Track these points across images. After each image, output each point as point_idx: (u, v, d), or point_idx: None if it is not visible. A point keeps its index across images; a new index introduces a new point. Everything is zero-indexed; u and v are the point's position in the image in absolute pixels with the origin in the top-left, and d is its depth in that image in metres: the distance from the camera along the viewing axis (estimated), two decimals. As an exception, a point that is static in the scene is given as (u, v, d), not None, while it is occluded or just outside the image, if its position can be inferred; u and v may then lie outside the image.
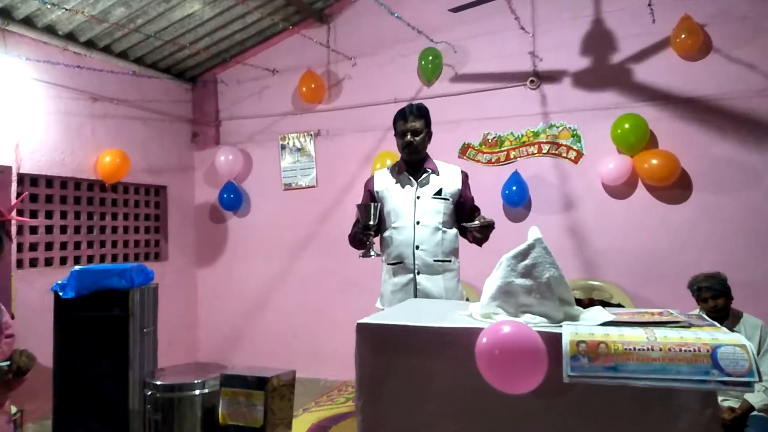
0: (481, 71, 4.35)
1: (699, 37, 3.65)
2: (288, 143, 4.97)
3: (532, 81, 4.16)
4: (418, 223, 2.48)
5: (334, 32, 4.83)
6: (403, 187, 2.56)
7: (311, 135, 4.89)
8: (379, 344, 1.58)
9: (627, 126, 3.74)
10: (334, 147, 4.82)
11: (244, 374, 2.48)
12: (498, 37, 4.25)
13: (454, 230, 2.56)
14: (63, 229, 4.19)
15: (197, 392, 2.54)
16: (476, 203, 2.64)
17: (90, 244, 4.36)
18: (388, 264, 2.56)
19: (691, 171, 3.72)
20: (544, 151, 4.11)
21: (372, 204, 2.38)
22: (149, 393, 2.57)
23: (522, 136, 4.19)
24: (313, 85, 4.76)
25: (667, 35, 3.76)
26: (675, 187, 3.73)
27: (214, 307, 5.20)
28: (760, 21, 3.57)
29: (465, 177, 2.62)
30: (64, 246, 4.19)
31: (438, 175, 2.56)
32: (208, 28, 4.56)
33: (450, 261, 2.51)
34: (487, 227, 2.37)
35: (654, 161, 3.68)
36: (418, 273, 2.46)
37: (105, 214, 4.50)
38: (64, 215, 4.19)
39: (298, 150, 4.93)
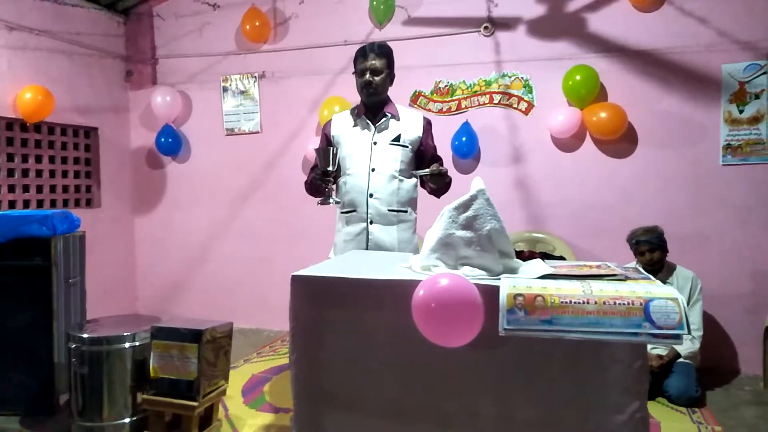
0: (435, 15, 4.17)
1: (654, -13, 3.59)
2: (230, 85, 4.69)
3: (486, 27, 4.03)
4: (373, 170, 2.37)
5: (281, -35, 4.50)
6: (360, 131, 2.43)
7: (255, 77, 4.62)
8: (314, 296, 1.53)
9: (578, 78, 3.70)
10: (280, 90, 4.58)
11: (177, 326, 2.38)
12: (453, -21, 4.06)
13: (414, 180, 2.45)
14: (-21, 172, 3.86)
15: (127, 345, 2.42)
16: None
17: (11, 189, 4.03)
18: (342, 212, 2.46)
19: (637, 125, 3.75)
20: (496, 102, 4.04)
21: (331, 148, 2.26)
22: (74, 346, 2.43)
23: (474, 84, 4.09)
24: (257, 23, 4.46)
25: (624, -16, 3.69)
26: (621, 141, 3.76)
27: (154, 257, 4.99)
28: (714, -27, 3.54)
29: (427, 124, 2.51)
30: (-20, 190, 3.86)
31: (398, 120, 2.44)
32: (140, -47, 4.16)
33: (406, 212, 2.42)
34: (439, 176, 2.28)
35: (603, 114, 3.67)
36: (371, 222, 2.37)
37: (27, 156, 4.14)
38: (-21, 156, 3.85)
39: (242, 93, 4.66)
